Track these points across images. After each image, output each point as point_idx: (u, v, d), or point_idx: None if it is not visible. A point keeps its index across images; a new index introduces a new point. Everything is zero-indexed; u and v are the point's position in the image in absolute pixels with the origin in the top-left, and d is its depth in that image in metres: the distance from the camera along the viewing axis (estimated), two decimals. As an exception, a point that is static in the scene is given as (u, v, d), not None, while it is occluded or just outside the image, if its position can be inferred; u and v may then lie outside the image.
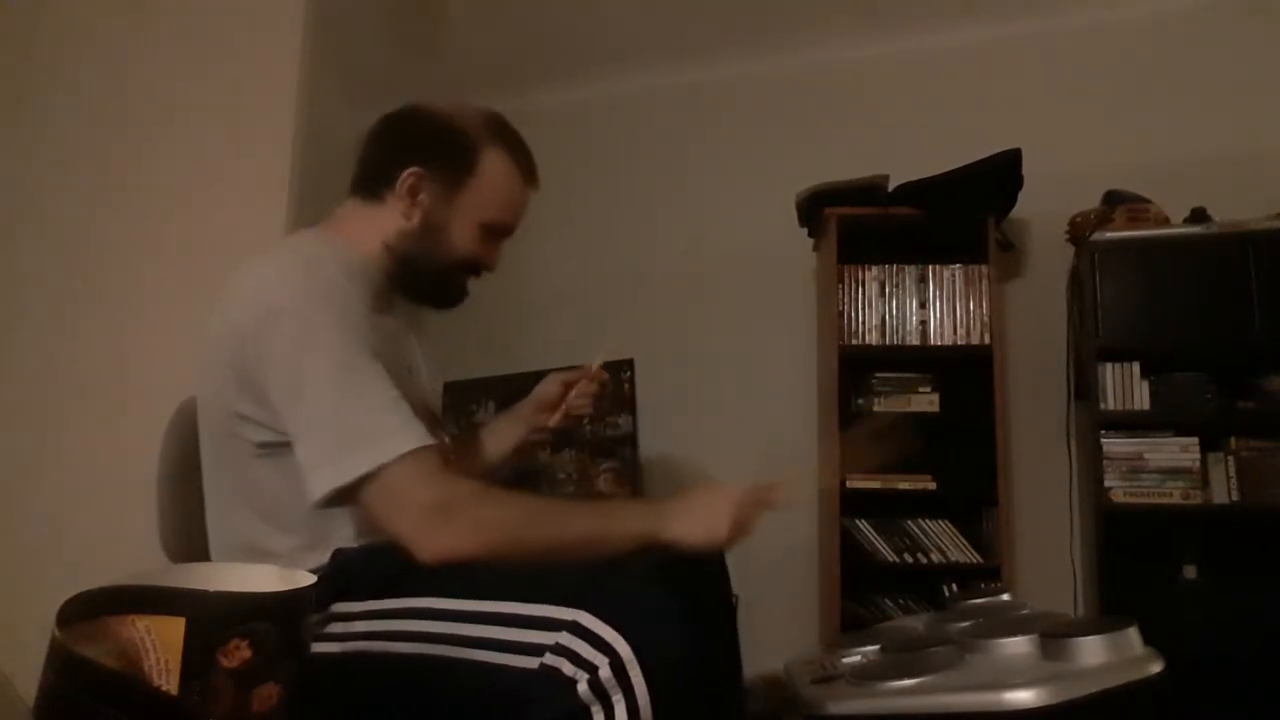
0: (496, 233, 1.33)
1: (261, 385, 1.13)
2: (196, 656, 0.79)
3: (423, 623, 1.07)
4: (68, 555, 2.09)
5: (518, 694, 0.99)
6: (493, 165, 1.30)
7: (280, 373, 1.12)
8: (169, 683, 0.78)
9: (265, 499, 1.19)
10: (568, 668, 0.96)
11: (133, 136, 2.45)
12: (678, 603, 1.00)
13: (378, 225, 1.28)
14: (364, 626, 1.10)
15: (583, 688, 0.95)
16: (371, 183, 1.30)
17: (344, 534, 1.18)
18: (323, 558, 1.16)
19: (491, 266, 1.35)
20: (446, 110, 1.32)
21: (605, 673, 0.95)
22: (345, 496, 1.10)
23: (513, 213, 1.34)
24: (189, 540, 1.34)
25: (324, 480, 1.08)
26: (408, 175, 1.26)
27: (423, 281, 1.31)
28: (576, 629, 0.98)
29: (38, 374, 2.34)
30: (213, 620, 0.80)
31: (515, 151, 1.33)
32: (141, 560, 0.99)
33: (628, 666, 0.94)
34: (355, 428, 1.09)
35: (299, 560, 1.14)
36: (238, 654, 0.80)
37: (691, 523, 1.17)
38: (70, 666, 0.78)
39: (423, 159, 1.27)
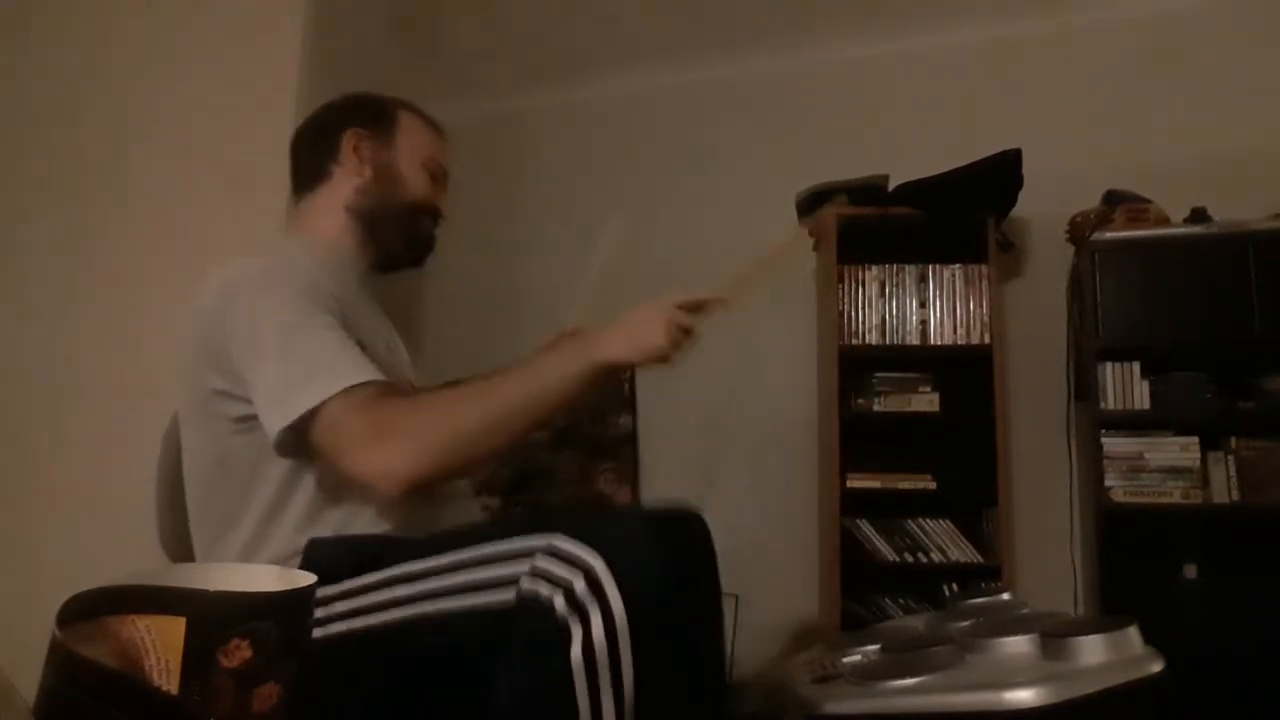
0: (436, 176, 1.42)
1: (225, 354, 1.17)
2: (197, 656, 0.79)
3: (400, 588, 1.08)
4: (68, 555, 2.09)
5: (499, 629, 0.99)
6: (408, 118, 1.43)
7: (238, 335, 1.16)
8: (169, 683, 0.78)
9: (239, 476, 1.21)
10: (544, 589, 0.96)
11: (132, 137, 2.45)
12: (654, 527, 1.00)
13: (335, 198, 1.37)
14: (343, 606, 1.10)
15: (560, 603, 0.95)
16: (315, 167, 1.39)
17: (301, 506, 1.19)
18: (294, 536, 1.17)
19: (443, 210, 1.43)
20: (351, 93, 1.46)
21: (580, 586, 0.94)
22: (299, 441, 1.13)
23: (443, 154, 1.44)
24: (189, 540, 1.34)
25: (274, 422, 1.11)
26: (349, 137, 1.37)
27: (392, 229, 1.38)
28: (550, 550, 0.98)
29: (38, 374, 2.34)
30: (213, 620, 0.80)
31: (418, 110, 1.46)
32: (141, 560, 0.99)
33: (603, 580, 0.94)
34: (300, 370, 1.12)
35: (270, 537, 1.17)
36: (238, 654, 0.80)
37: (626, 341, 1.19)
38: (70, 666, 0.78)
39: (355, 122, 1.39)
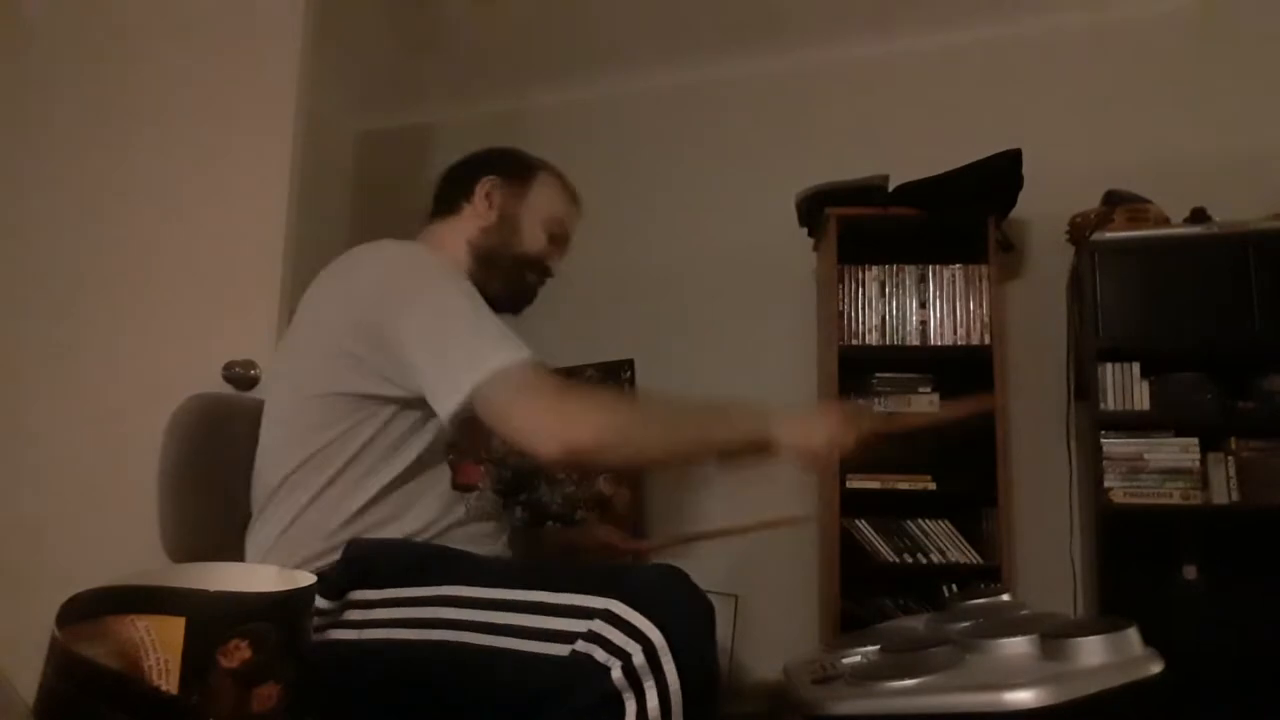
0: (555, 237, 1.54)
1: (377, 325, 1.22)
2: (196, 656, 0.79)
3: (449, 610, 1.09)
4: (67, 556, 2.09)
5: (550, 681, 1.01)
6: (545, 180, 1.56)
7: (409, 325, 1.21)
8: (169, 683, 0.78)
9: (314, 442, 1.24)
10: (600, 655, 0.98)
11: (131, 137, 2.44)
12: (705, 603, 1.04)
13: (460, 231, 1.49)
14: (385, 614, 1.11)
15: (616, 675, 0.97)
16: (450, 201, 1.52)
17: (346, 495, 1.23)
18: (335, 529, 1.20)
19: (553, 270, 1.56)
20: (502, 146, 1.61)
21: (639, 659, 0.97)
22: (474, 402, 1.16)
23: (568, 220, 1.56)
24: (189, 540, 1.35)
25: (451, 397, 1.16)
26: (484, 182, 1.50)
27: (503, 272, 1.49)
28: (609, 617, 1.00)
29: (37, 374, 2.34)
30: (213, 620, 0.80)
31: (560, 175, 1.58)
32: (141, 560, 0.99)
33: (660, 655, 0.97)
34: (490, 337, 1.19)
35: (326, 503, 1.21)
36: (238, 654, 0.80)
37: (795, 429, 1.27)
38: (70, 666, 0.78)
39: (494, 170, 1.52)
